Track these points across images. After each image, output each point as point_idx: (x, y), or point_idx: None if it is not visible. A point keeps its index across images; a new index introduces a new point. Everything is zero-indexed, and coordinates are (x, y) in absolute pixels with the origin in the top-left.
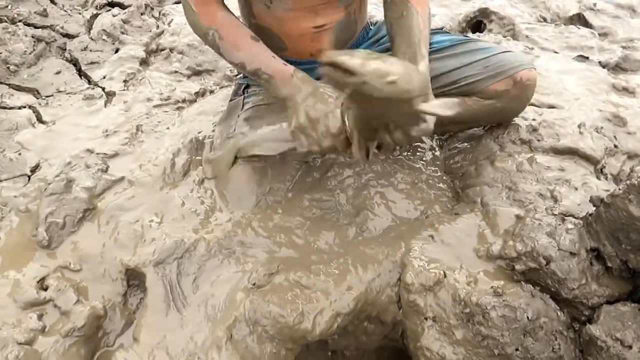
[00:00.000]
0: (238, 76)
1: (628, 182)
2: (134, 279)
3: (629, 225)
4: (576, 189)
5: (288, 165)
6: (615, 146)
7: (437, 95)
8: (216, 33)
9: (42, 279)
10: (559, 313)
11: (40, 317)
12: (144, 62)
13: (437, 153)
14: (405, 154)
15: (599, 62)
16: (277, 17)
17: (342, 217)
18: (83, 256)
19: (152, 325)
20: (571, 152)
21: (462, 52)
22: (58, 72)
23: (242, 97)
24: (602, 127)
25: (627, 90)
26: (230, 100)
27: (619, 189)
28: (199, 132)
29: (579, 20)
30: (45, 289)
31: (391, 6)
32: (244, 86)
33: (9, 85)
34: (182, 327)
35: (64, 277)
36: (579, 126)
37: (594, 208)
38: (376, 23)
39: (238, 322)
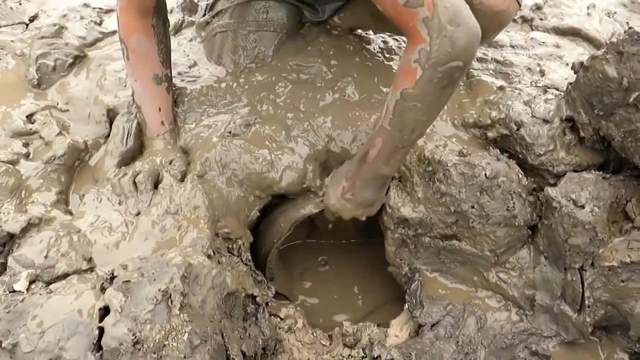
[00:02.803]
0: None
1: (608, 41)
2: None
3: (603, 88)
4: (567, 64)
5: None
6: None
7: None
8: (126, 51)
9: (31, 115)
10: (520, 176)
11: (25, 145)
12: None
13: None
14: None
15: None
16: None
17: (325, 82)
18: (71, 98)
19: None
20: (574, 33)
21: None
22: None
23: None
24: (615, 12)
25: None
26: None
27: (600, 51)
28: None
29: None
30: (33, 123)
31: None
32: None
33: None
34: None
35: (51, 115)
36: (588, 7)
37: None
38: None
39: (208, 162)
